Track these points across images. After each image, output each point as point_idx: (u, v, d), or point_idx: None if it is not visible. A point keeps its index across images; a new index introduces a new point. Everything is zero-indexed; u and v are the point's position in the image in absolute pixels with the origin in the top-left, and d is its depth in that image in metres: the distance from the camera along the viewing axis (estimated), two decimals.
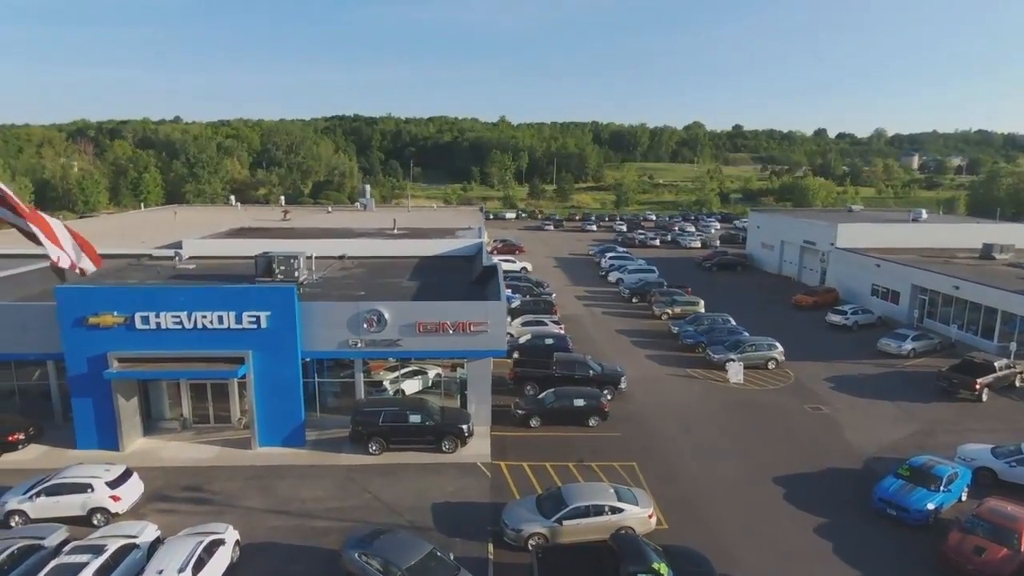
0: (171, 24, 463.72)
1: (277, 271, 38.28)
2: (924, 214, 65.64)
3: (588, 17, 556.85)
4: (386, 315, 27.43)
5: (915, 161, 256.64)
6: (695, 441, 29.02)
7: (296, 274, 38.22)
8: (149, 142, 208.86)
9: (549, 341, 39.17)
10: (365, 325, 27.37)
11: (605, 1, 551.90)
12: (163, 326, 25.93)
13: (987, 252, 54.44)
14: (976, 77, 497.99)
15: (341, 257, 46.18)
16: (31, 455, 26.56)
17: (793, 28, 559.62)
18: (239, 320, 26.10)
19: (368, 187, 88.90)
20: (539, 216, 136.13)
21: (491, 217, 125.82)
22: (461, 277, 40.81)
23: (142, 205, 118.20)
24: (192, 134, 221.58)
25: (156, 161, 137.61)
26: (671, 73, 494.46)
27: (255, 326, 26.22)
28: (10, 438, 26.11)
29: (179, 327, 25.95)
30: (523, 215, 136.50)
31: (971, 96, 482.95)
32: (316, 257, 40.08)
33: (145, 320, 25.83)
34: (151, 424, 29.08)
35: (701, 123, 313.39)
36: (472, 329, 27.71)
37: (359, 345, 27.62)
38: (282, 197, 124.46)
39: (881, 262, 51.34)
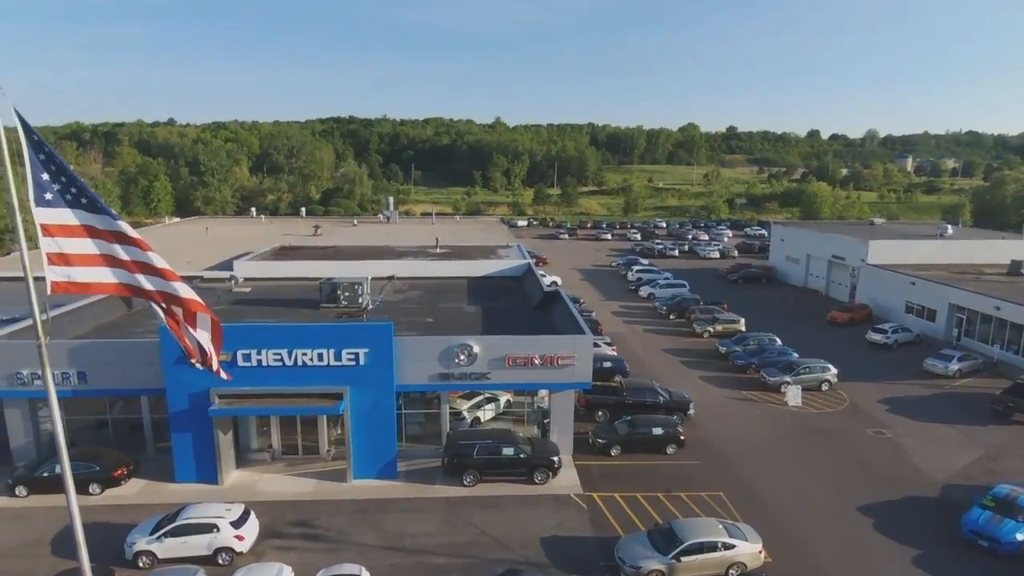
0: (156, 24, 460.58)
1: (342, 297, 39.04)
2: (949, 229, 66.91)
3: (579, 18, 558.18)
4: (476, 349, 28.12)
5: (909, 163, 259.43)
6: (773, 469, 29.89)
7: (360, 300, 38.99)
8: (147, 146, 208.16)
9: (607, 364, 39.90)
10: (456, 359, 28.06)
11: (596, 2, 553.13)
12: (264, 363, 26.55)
13: (1015, 269, 55.70)
14: (966, 79, 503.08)
15: (390, 278, 46.87)
16: (133, 490, 27.12)
17: (788, 29, 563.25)
18: (338, 357, 26.76)
19: (392, 199, 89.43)
20: (550, 223, 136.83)
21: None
22: (519, 301, 41.58)
23: (166, 218, 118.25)
24: (190, 137, 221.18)
25: (165, 169, 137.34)
26: (665, 74, 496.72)
27: (354, 363, 26.89)
28: (115, 473, 26.66)
29: (280, 364, 26.58)
30: (534, 222, 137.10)
31: (961, 98, 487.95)
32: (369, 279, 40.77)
33: (247, 357, 26.45)
34: (240, 455, 29.66)
35: (696, 124, 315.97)
36: (560, 363, 28.47)
37: (452, 379, 28.33)
38: (303, 209, 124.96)
39: (916, 280, 52.43)
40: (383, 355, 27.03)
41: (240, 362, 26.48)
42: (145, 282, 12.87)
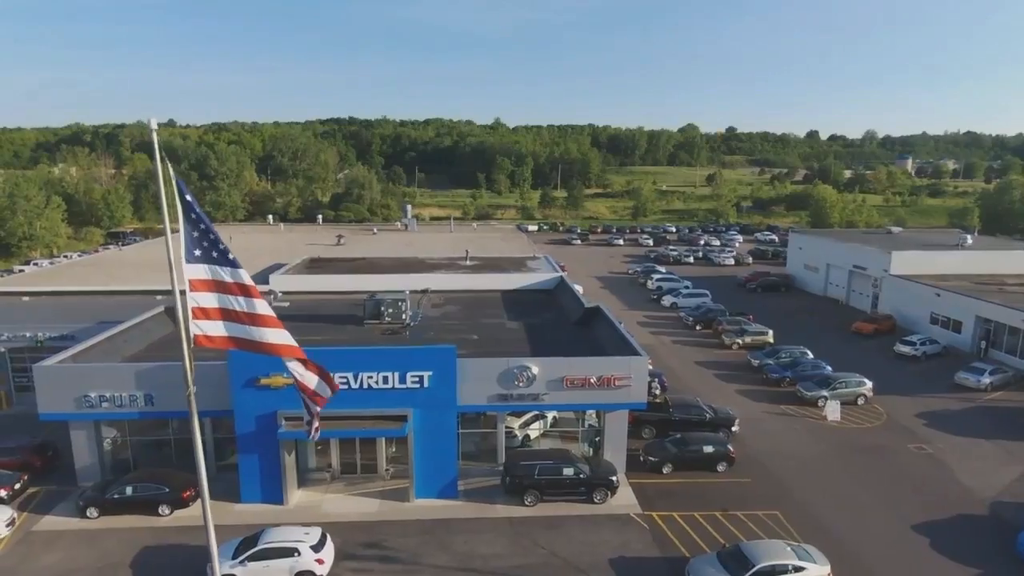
0: (155, 24, 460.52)
1: (385, 314, 39.56)
2: (969, 239, 67.61)
3: (578, 17, 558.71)
4: (535, 370, 28.64)
5: (909, 164, 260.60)
6: (823, 487, 30.42)
7: (403, 316, 39.50)
8: (149, 147, 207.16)
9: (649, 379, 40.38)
10: (516, 381, 28.57)
11: (596, 3, 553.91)
12: None
13: None
14: (964, 80, 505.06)
15: (425, 291, 47.37)
16: (199, 512, 27.50)
17: (787, 29, 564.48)
18: (403, 380, 27.28)
19: (409, 207, 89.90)
20: (560, 228, 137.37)
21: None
22: (557, 316, 42.07)
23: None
24: (193, 139, 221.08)
25: (175, 173, 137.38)
26: (664, 75, 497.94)
27: (418, 385, 27.40)
28: (184, 495, 27.11)
29: (346, 387, 27.03)
30: (544, 227, 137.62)
31: (959, 98, 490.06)
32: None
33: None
34: (300, 475, 30.10)
35: (695, 125, 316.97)
36: (616, 383, 28.99)
37: (510, 399, 28.86)
38: (319, 216, 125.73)
39: (942, 291, 53.08)
40: (446, 377, 27.54)
41: None
42: (255, 334, 13.72)
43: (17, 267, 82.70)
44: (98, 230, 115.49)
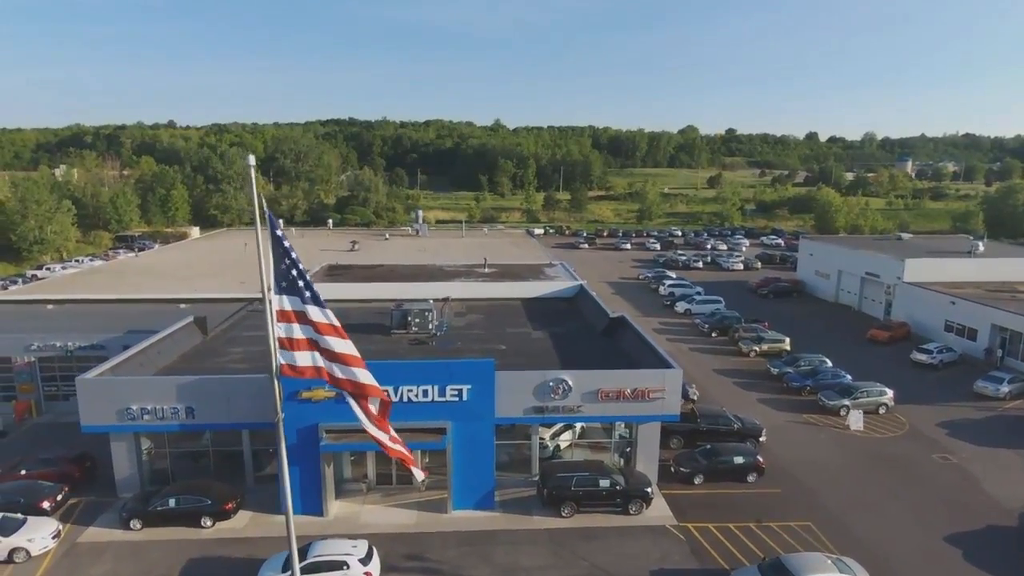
0: (155, 24, 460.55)
1: (412, 324, 39.93)
2: (981, 246, 68.11)
3: (578, 17, 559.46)
4: (571, 383, 29.02)
5: (909, 166, 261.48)
6: (853, 497, 30.81)
7: (430, 326, 39.87)
8: (150, 149, 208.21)
9: None
10: (552, 393, 28.94)
11: (595, 3, 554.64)
12: None
13: None
14: (962, 81, 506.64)
15: (446, 299, 47.64)
16: (242, 522, 27.91)
17: (786, 30, 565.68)
18: (442, 393, 27.65)
19: (421, 212, 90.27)
20: (566, 231, 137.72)
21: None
22: (581, 325, 42.40)
23: (192, 230, 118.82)
24: (194, 141, 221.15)
25: (181, 177, 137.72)
26: (663, 76, 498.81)
27: (457, 398, 27.78)
28: (226, 506, 27.43)
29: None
30: (550, 230, 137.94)
31: (957, 100, 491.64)
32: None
33: None
34: (335, 485, 30.45)
35: (695, 127, 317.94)
36: (650, 396, 29.38)
37: (546, 412, 29.24)
38: (330, 220, 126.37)
39: (956, 300, 53.54)
40: (485, 390, 27.91)
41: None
42: (337, 371, 14.17)
43: (30, 272, 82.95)
44: (106, 233, 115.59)
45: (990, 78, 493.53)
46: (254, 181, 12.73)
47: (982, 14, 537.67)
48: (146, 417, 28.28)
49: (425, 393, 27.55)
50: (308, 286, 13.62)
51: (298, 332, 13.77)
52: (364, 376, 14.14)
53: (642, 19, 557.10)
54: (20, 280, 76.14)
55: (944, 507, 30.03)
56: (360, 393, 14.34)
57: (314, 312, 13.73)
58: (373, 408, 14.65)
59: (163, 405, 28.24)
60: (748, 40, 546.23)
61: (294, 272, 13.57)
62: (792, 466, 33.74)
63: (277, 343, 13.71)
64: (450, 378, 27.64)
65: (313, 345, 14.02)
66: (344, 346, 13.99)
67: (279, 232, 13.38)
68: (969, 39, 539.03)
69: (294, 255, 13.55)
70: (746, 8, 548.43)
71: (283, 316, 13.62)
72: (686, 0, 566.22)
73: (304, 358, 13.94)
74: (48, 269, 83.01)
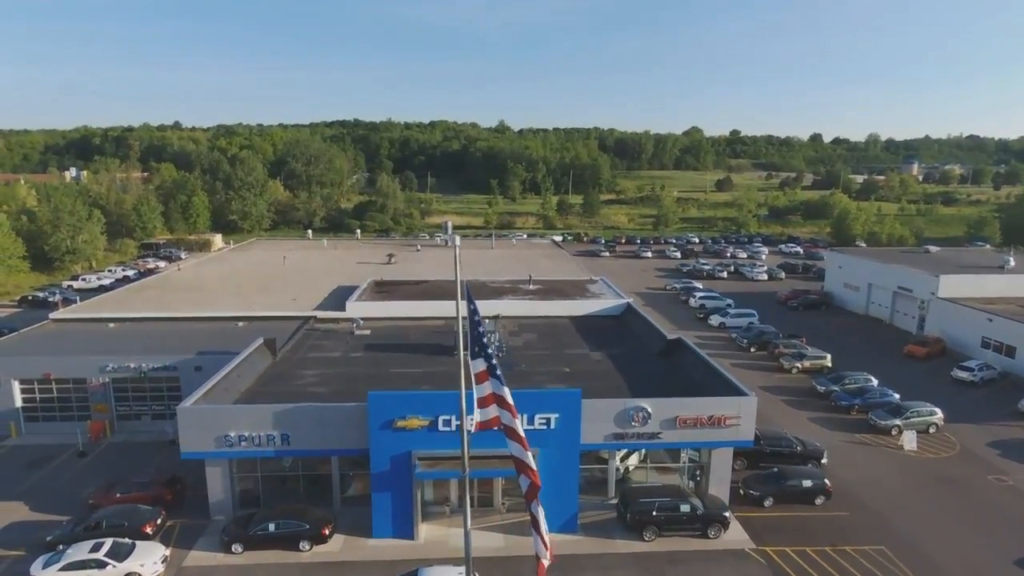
0: (154, 24, 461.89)
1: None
2: (1011, 261, 69.09)
3: (579, 19, 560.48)
4: (650, 410, 30.06)
5: (915, 169, 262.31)
6: (920, 519, 31.78)
7: (491, 350, 40.79)
8: (159, 151, 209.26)
9: None
10: (632, 421, 29.98)
11: (594, 4, 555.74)
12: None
13: None
14: (966, 83, 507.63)
15: (496, 317, 48.58)
16: (336, 547, 28.93)
17: (786, 31, 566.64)
18: (531, 421, 28.69)
19: (450, 222, 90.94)
20: (584, 238, 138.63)
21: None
22: (636, 346, 43.39)
23: (215, 237, 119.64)
24: (203, 143, 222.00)
25: (202, 183, 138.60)
26: (668, 77, 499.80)
27: (545, 426, 28.84)
28: (323, 531, 28.47)
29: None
30: (569, 237, 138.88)
31: (961, 101, 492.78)
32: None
33: (447, 423, 28.33)
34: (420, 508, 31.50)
35: (700, 128, 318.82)
36: (727, 423, 30.42)
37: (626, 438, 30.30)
38: (358, 231, 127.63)
39: (994, 317, 54.51)
40: (571, 418, 28.97)
41: (440, 427, 28.43)
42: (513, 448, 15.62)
43: (65, 282, 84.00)
44: (131, 241, 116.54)
45: (994, 79, 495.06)
46: (457, 261, 13.84)
47: (984, 14, 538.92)
48: (243, 443, 29.32)
49: None
50: (491, 358, 15.05)
51: (489, 388, 15.17)
52: (518, 451, 15.46)
53: (645, 20, 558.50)
54: (57, 291, 77.27)
55: (1009, 530, 31.00)
56: (518, 468, 15.59)
57: (495, 385, 15.25)
58: (523, 486, 15.80)
59: (260, 432, 29.29)
60: (749, 40, 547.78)
61: (483, 340, 15.04)
62: (855, 488, 34.73)
63: (476, 402, 15.11)
64: (540, 407, 28.75)
65: (499, 400, 15.46)
66: (510, 420, 15.44)
67: (473, 306, 14.92)
68: (969, 39, 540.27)
69: (483, 325, 15.07)
70: (748, 8, 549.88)
71: (480, 377, 15.03)
72: (686, 0, 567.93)
73: (494, 409, 15.36)
74: (83, 279, 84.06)
